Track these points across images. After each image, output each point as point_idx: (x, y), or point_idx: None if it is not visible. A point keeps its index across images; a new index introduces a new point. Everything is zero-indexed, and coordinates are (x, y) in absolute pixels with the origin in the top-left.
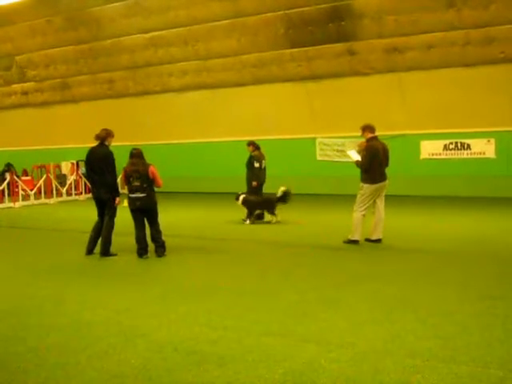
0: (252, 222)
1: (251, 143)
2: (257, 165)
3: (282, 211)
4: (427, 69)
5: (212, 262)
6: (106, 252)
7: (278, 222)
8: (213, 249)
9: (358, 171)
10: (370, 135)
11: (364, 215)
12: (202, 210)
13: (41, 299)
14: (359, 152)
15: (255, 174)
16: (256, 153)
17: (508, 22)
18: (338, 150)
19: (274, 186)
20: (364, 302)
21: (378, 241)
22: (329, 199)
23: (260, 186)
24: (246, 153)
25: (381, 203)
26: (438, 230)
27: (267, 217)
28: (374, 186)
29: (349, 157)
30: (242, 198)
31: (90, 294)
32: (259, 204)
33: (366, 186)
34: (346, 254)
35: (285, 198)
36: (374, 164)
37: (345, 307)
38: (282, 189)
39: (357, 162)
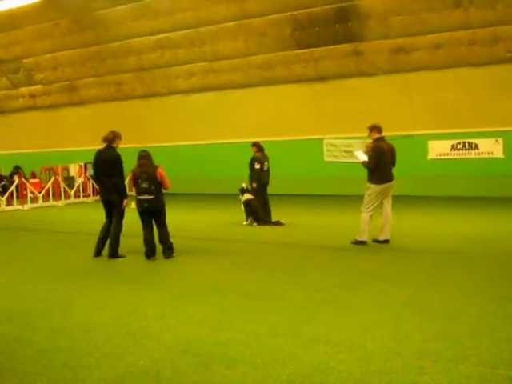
0: (250, 224)
1: (255, 144)
2: (257, 166)
3: (287, 212)
4: (434, 69)
5: (220, 263)
6: (114, 254)
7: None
8: (221, 250)
9: (365, 172)
10: (376, 135)
11: (371, 216)
12: (209, 212)
13: (49, 301)
14: (366, 153)
15: (256, 176)
16: (258, 154)
17: None
18: (345, 151)
19: (281, 188)
20: (372, 302)
21: (386, 241)
22: (336, 200)
23: (262, 187)
24: (253, 154)
25: (388, 204)
26: (447, 231)
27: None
28: (380, 187)
29: (356, 157)
30: (245, 197)
31: (98, 296)
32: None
33: (372, 186)
34: (354, 255)
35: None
36: (380, 164)
37: (353, 308)
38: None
39: (363, 163)
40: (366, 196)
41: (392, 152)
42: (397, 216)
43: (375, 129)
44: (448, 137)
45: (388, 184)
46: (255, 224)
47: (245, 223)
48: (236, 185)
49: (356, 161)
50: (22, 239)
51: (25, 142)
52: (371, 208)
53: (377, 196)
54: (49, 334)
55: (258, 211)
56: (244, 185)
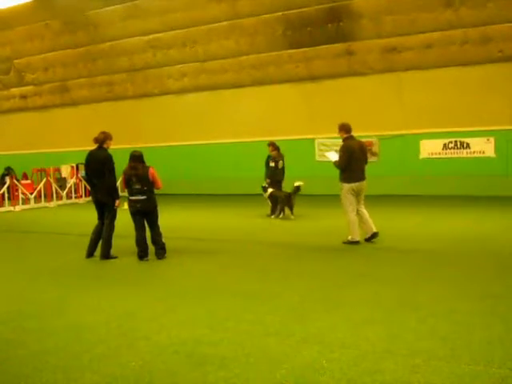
0: (277, 217)
1: (271, 144)
2: (272, 164)
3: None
4: (425, 68)
5: (212, 263)
6: (106, 255)
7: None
8: (213, 251)
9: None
10: (345, 135)
11: (355, 214)
12: (201, 212)
13: (41, 302)
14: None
15: (270, 173)
16: (273, 153)
17: (505, 21)
18: (337, 151)
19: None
20: (364, 302)
21: (375, 234)
22: (328, 200)
23: (276, 183)
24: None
25: (360, 206)
26: (438, 230)
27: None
28: (351, 185)
29: (327, 158)
30: (269, 191)
31: (90, 297)
32: (283, 200)
33: (344, 185)
34: (346, 255)
35: (295, 192)
36: (350, 163)
37: (345, 308)
38: (296, 184)
39: (335, 163)
40: (342, 197)
41: (363, 150)
42: (388, 215)
43: (343, 128)
44: (440, 136)
45: (358, 183)
46: (282, 215)
47: (273, 217)
48: (229, 184)
49: (327, 160)
50: (13, 240)
51: (16, 143)
52: (352, 207)
53: (350, 194)
54: (40, 336)
55: (281, 201)
56: (266, 183)
